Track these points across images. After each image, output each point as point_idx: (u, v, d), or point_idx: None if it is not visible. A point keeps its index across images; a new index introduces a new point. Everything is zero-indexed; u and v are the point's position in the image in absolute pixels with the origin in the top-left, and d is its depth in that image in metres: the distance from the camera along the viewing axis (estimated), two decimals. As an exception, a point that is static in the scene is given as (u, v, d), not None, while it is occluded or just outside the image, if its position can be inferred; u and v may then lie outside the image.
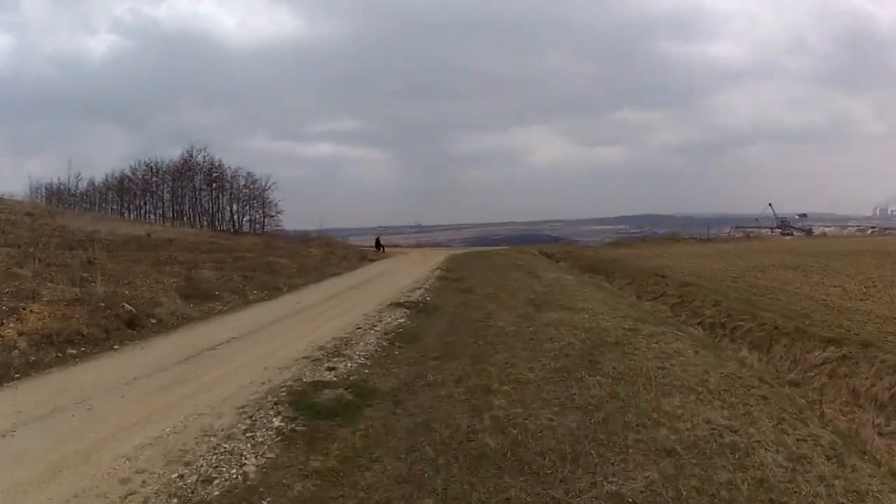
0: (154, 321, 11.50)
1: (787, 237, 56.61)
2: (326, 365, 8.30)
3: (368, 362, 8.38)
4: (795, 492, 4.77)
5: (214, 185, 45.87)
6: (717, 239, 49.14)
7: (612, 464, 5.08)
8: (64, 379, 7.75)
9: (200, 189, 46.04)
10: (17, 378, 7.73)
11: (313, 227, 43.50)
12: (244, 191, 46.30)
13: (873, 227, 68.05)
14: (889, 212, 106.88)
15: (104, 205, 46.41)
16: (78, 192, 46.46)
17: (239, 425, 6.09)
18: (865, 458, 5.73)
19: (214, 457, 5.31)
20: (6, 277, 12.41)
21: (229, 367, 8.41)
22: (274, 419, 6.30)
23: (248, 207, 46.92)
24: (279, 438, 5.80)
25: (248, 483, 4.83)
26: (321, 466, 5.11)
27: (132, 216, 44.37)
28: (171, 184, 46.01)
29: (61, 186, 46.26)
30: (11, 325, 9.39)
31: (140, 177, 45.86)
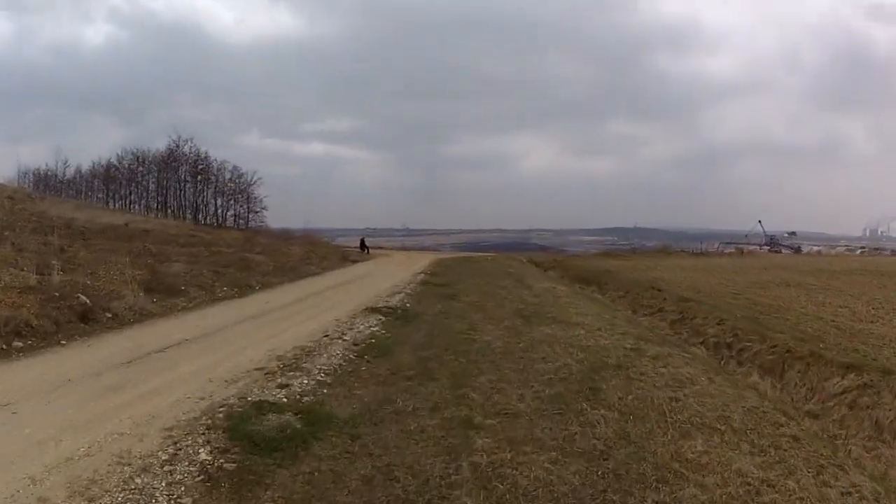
0: (109, 315, 10.71)
1: (776, 254, 56.00)
2: (279, 380, 7.01)
3: (329, 379, 7.06)
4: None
5: (199, 177, 44.86)
6: (709, 253, 48.39)
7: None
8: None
9: (185, 181, 45.19)
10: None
11: (303, 225, 42.31)
12: (230, 185, 45.63)
13: (863, 248, 67.82)
14: (879, 232, 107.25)
15: (90, 193, 45.98)
16: (65, 179, 46.10)
17: (160, 454, 4.96)
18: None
19: (122, 494, 4.27)
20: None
21: (172, 375, 7.33)
22: (201, 450, 5.08)
23: (232, 202, 46.22)
24: (201, 478, 4.57)
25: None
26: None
27: (117, 205, 43.83)
28: (156, 174, 45.20)
29: (48, 173, 46.14)
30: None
31: (126, 166, 45.10)
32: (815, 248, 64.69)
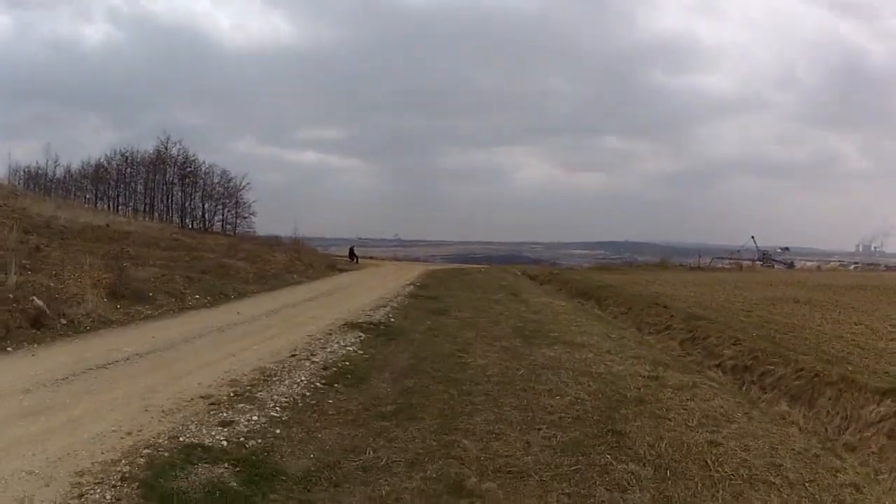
0: (64, 322, 9.87)
1: (769, 269, 55.08)
2: (225, 414, 5.63)
3: (285, 416, 5.65)
4: None
5: (187, 179, 43.61)
6: (706, 268, 47.25)
7: None
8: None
9: (173, 183, 43.97)
10: None
11: (291, 233, 40.93)
12: (218, 188, 44.29)
13: (856, 263, 67.04)
14: (872, 248, 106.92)
15: (79, 193, 45.23)
16: (55, 177, 45.06)
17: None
18: None
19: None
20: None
21: (107, 398, 6.14)
22: (105, 510, 3.82)
23: (221, 206, 44.91)
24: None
25: None
26: None
27: (106, 206, 42.97)
28: (144, 176, 44.04)
29: (39, 171, 45.28)
30: None
31: (115, 167, 43.91)
32: (809, 264, 63.88)
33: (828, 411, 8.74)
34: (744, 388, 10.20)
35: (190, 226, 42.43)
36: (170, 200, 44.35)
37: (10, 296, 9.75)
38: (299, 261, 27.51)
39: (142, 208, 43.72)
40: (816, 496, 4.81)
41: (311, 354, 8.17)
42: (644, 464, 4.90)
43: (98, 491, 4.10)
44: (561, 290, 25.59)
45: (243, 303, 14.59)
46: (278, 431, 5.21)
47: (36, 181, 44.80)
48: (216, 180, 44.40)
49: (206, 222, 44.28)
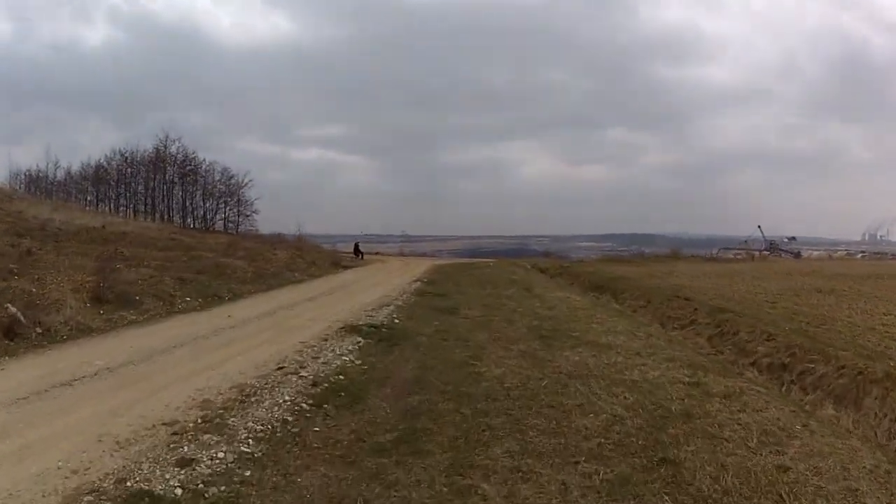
0: (40, 331, 9.16)
1: (777, 259, 53.75)
2: (186, 449, 4.60)
3: (259, 450, 4.56)
4: None
5: (187, 178, 42.69)
6: (720, 258, 45.97)
7: None
8: None
9: (173, 182, 43.04)
10: None
11: (295, 230, 39.86)
12: (219, 186, 43.30)
13: (863, 252, 65.53)
14: (878, 237, 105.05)
15: (80, 195, 44.69)
16: (56, 180, 44.53)
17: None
18: None
19: None
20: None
21: (61, 424, 5.32)
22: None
23: (223, 204, 43.90)
24: None
25: None
26: None
27: (107, 207, 42.06)
28: (144, 176, 43.18)
29: (40, 174, 44.29)
30: None
31: (115, 167, 43.13)
32: (816, 253, 62.44)
33: (875, 413, 7.94)
34: (784, 389, 9.25)
35: (192, 225, 41.53)
36: (170, 200, 43.35)
37: (-14, 304, 8.89)
38: (301, 258, 26.54)
39: (142, 208, 42.85)
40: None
41: (301, 367, 7.07)
42: (709, 505, 3.81)
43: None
44: (573, 284, 24.54)
45: (237, 305, 13.64)
46: (248, 474, 4.12)
47: (37, 184, 44.11)
48: (217, 178, 43.26)
49: (208, 221, 43.26)
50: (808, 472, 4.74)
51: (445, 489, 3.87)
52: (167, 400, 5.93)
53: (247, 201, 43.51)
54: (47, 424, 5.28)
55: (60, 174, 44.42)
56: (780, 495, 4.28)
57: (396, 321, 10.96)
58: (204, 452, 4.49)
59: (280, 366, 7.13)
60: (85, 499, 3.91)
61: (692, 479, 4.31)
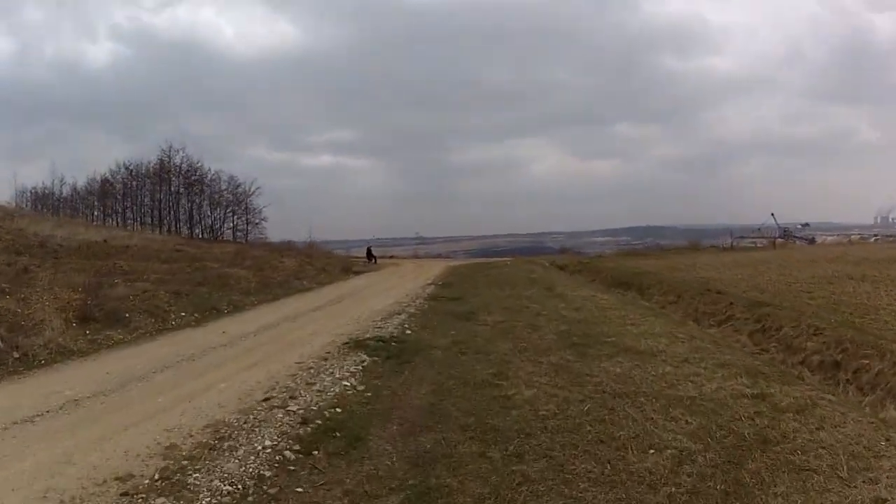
0: (17, 356, 8.50)
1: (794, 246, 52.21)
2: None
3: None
4: None
5: (193, 187, 42.04)
6: (739, 248, 44.50)
7: None
8: None
9: (179, 193, 42.41)
10: None
11: (305, 237, 39.08)
12: (226, 195, 42.63)
13: (876, 235, 63.68)
14: (890, 219, 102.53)
15: (86, 210, 44.58)
16: (62, 196, 44.60)
17: None
18: None
19: None
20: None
21: (10, 472, 4.55)
22: None
23: (230, 213, 43.20)
24: None
25: None
26: None
27: (114, 221, 41.70)
28: (150, 188, 42.67)
29: (46, 191, 44.46)
30: None
31: (120, 180, 42.71)
32: (830, 238, 60.70)
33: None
34: (840, 390, 8.11)
35: (200, 235, 40.90)
36: (177, 211, 42.74)
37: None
38: (310, 265, 25.73)
39: (149, 221, 42.34)
40: None
41: (291, 397, 5.91)
42: None
43: None
44: (595, 281, 23.40)
45: (236, 318, 12.77)
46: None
47: (43, 202, 44.14)
48: (223, 187, 42.65)
49: (216, 231, 42.58)
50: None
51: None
52: (128, 444, 4.93)
53: (255, 209, 42.91)
54: (-4, 473, 4.44)
55: (66, 190, 44.50)
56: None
57: (408, 332, 9.83)
58: (150, 531, 3.43)
59: (267, 396, 6.00)
60: None
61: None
